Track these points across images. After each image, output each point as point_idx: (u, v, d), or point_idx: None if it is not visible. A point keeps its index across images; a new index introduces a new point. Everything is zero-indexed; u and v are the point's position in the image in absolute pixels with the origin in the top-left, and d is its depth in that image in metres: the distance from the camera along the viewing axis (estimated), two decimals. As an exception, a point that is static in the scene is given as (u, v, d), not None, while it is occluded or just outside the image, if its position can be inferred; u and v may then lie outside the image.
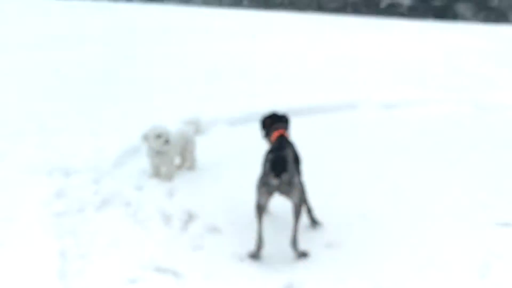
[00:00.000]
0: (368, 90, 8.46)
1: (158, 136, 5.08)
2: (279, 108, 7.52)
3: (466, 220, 4.80)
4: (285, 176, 4.01)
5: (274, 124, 4.76)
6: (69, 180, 5.09)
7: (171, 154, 5.31)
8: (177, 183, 5.30)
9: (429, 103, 8.08)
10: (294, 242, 4.17)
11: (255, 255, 4.19)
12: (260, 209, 4.18)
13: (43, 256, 3.85)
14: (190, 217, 4.75)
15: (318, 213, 4.73)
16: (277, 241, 4.39)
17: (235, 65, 10.11)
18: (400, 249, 4.35)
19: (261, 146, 4.82)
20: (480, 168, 5.92)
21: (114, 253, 4.14)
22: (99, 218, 4.62)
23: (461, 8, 25.02)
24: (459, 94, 8.52)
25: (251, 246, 4.26)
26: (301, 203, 4.25)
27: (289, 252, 4.22)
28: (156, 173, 5.37)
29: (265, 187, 4.12)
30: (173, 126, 5.47)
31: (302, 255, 4.20)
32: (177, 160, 5.54)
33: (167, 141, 5.10)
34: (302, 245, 4.23)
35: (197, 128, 5.74)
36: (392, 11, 25.35)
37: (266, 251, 4.22)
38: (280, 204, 4.50)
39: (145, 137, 5.15)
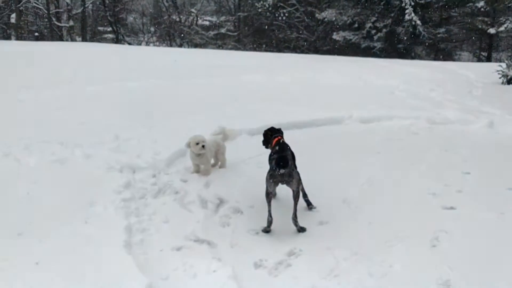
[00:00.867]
0: (350, 109, 8.31)
1: (197, 143, 5.06)
2: (284, 121, 7.53)
3: (421, 204, 4.67)
4: (286, 170, 4.06)
5: (272, 135, 4.82)
6: (135, 175, 5.04)
7: (207, 156, 5.26)
8: (212, 177, 5.22)
9: (394, 118, 7.94)
10: (295, 219, 4.15)
11: (267, 230, 4.16)
12: (269, 195, 4.20)
13: (114, 230, 3.81)
14: (220, 202, 4.68)
15: (312, 199, 4.64)
16: (283, 219, 4.30)
17: (253, 92, 10.03)
18: (373, 226, 4.24)
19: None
20: (432, 166, 5.78)
21: (166, 228, 4.10)
22: (155, 203, 4.56)
23: (418, 49, 24.75)
24: (416, 112, 8.36)
25: (264, 223, 4.19)
26: (298, 189, 4.26)
27: (291, 227, 4.14)
28: (197, 170, 5.32)
29: (272, 179, 4.16)
30: (208, 136, 5.43)
31: (301, 229, 4.15)
32: (212, 161, 5.48)
33: (203, 146, 5.06)
34: (301, 222, 4.15)
35: (224, 136, 5.68)
36: (368, 51, 25.11)
37: (274, 227, 4.15)
38: (284, 192, 4.42)
39: (188, 144, 5.13)
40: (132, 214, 4.20)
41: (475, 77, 13.31)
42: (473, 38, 28.36)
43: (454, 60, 26.00)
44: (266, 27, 30.35)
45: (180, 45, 30.73)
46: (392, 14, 23.85)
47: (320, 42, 28.82)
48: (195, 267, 3.52)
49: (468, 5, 25.17)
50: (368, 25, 24.79)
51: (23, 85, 9.82)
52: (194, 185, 5.02)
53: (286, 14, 28.72)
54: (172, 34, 31.50)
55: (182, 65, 14.17)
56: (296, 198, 4.19)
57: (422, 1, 23.68)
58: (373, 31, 24.70)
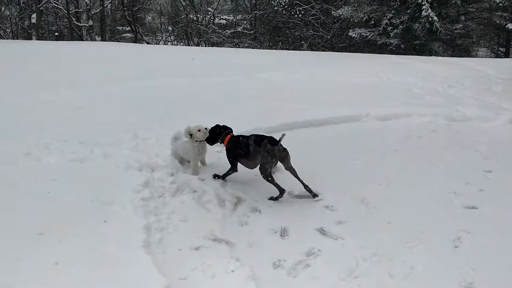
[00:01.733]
0: (367, 107, 8.17)
1: (199, 129, 5.06)
2: (301, 119, 7.44)
3: (442, 204, 4.54)
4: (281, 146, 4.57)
5: (222, 132, 5.09)
6: (154, 174, 4.99)
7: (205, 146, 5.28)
8: (229, 176, 5.16)
9: (412, 116, 7.77)
10: (307, 187, 4.71)
11: (277, 199, 4.62)
12: (271, 175, 4.63)
13: (133, 229, 3.76)
14: (238, 201, 4.62)
15: (329, 198, 4.61)
16: (299, 218, 4.25)
17: (270, 90, 9.95)
18: (392, 226, 4.14)
19: (289, 149, 4.71)
20: (452, 164, 5.64)
21: (184, 227, 4.05)
22: (174, 202, 4.52)
23: (435, 46, 24.29)
24: (434, 109, 8.17)
25: (283, 223, 4.13)
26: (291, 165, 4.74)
27: (309, 227, 4.08)
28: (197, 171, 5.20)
29: (273, 157, 4.53)
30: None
31: (315, 195, 4.67)
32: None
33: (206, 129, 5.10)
34: (319, 222, 4.09)
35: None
36: (385, 48, 24.75)
37: (292, 226, 4.08)
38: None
39: (188, 134, 5.10)
40: (151, 213, 4.16)
41: (494, 73, 13.01)
42: (491, 33, 27.80)
43: (471, 56, 25.51)
44: (282, 25, 30.20)
45: (197, 44, 30.75)
46: (409, 11, 23.42)
47: (336, 39, 28.54)
48: (214, 267, 3.46)
49: (485, 0, 24.66)
50: (385, 21, 24.42)
51: (43, 85, 9.90)
52: (211, 183, 4.96)
53: (302, 12, 28.50)
54: (190, 33, 31.55)
55: (199, 63, 14.14)
56: (295, 172, 4.71)
57: (439, -3, 23.27)
58: (390, 28, 24.32)
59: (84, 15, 30.11)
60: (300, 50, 26.96)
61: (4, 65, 12.57)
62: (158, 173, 5.03)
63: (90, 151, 5.52)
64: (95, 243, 3.53)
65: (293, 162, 4.78)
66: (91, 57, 15.08)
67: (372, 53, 22.90)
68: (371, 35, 25.07)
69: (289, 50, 26.89)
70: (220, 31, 30.31)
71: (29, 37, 26.09)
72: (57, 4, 27.86)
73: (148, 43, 31.54)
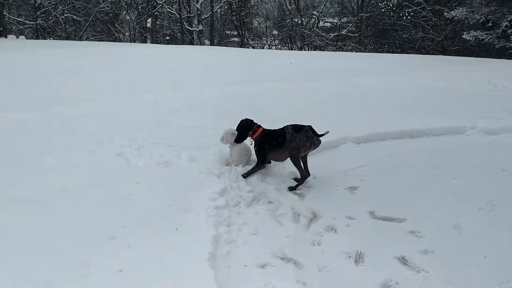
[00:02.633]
0: (474, 118, 7.33)
1: (233, 133, 5.22)
2: (395, 130, 6.87)
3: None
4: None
5: (250, 127, 5.15)
6: (232, 182, 4.89)
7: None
8: (309, 188, 4.90)
9: (531, 131, 6.78)
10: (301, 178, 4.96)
11: (298, 186, 4.84)
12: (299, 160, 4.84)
13: (202, 240, 3.68)
14: (314, 216, 4.33)
15: (417, 221, 4.13)
16: (376, 244, 3.83)
17: (365, 96, 9.43)
18: (488, 261, 3.55)
19: (378, 162, 4.31)
20: None
21: (254, 241, 3.87)
22: (248, 212, 4.38)
23: None
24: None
25: (360, 246, 3.76)
26: None
27: (388, 254, 3.66)
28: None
29: (312, 145, 4.78)
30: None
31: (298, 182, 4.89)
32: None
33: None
34: (401, 248, 3.65)
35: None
36: (503, 52, 22.37)
37: (366, 251, 3.69)
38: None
39: (230, 139, 5.25)
40: (223, 222, 4.06)
41: None
42: None
43: None
44: (389, 27, 28.86)
45: (301, 48, 30.64)
46: (534, 11, 20.95)
47: (448, 42, 26.52)
48: (278, 289, 3.24)
49: None
50: (504, 23, 22.07)
51: (148, 87, 10.45)
52: (289, 195, 4.75)
53: (412, 13, 26.93)
54: (293, 37, 31.55)
55: (296, 68, 13.96)
56: (306, 161, 4.97)
57: None
58: (510, 31, 21.94)
59: (195, 20, 31.58)
60: (407, 53, 25.47)
61: (113, 67, 13.53)
62: (237, 181, 4.93)
63: (178, 155, 5.61)
64: (162, 252, 3.50)
65: (381, 177, 4.55)
66: (196, 61, 15.67)
67: (488, 57, 20.82)
68: (488, 38, 22.83)
69: (395, 53, 25.55)
70: (323, 34, 29.85)
71: (144, 41, 28.02)
72: (171, 9, 29.57)
73: (253, 47, 32.16)
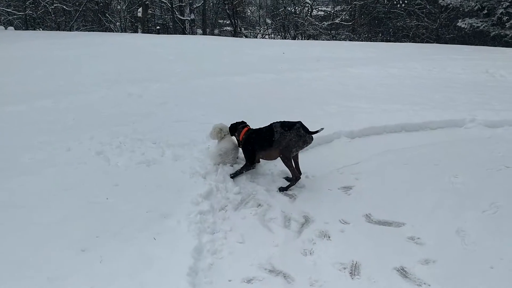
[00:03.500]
0: (473, 110, 7.00)
1: (221, 129, 4.94)
2: (392, 123, 6.52)
3: None
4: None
5: (237, 127, 4.87)
6: (219, 183, 4.52)
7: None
8: (301, 189, 4.55)
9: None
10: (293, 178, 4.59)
11: (289, 186, 4.50)
12: (291, 159, 4.49)
13: (182, 252, 3.31)
14: (306, 221, 3.97)
15: (416, 226, 3.77)
16: (376, 257, 3.48)
17: (360, 87, 9.06)
18: (496, 272, 3.21)
19: (374, 158, 3.95)
20: None
21: (240, 250, 3.51)
22: (234, 217, 4.01)
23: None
24: None
25: (355, 256, 3.41)
26: None
27: (388, 267, 3.31)
28: None
29: (304, 144, 4.41)
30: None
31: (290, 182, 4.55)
32: None
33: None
34: (399, 258, 3.30)
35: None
36: (499, 40, 22.00)
37: (364, 264, 3.34)
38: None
39: (221, 134, 4.98)
40: (206, 230, 3.70)
41: None
42: None
43: None
44: (383, 15, 28.38)
45: (294, 37, 30.12)
46: (529, -2, 20.56)
47: (442, 30, 26.11)
48: (265, 308, 2.90)
49: None
50: (500, 11, 21.69)
51: (135, 78, 10.01)
52: (279, 197, 4.39)
53: (406, 1, 26.48)
54: (287, 26, 31.00)
55: (289, 57, 13.55)
56: (298, 159, 4.63)
57: None
58: (505, 18, 21.55)
59: (187, 9, 30.91)
60: (401, 42, 25.05)
61: (101, 58, 13.04)
62: (224, 182, 4.56)
63: (161, 153, 5.24)
64: (138, 266, 3.14)
65: (377, 176, 4.29)
66: (185, 51, 15.20)
67: (483, 45, 20.47)
68: (483, 25, 22.44)
69: (389, 42, 25.12)
70: (317, 23, 29.32)
71: (135, 30, 27.37)
72: (161, -2, 28.90)
73: (246, 36, 31.60)
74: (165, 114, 7.09)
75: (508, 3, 21.44)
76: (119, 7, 27.84)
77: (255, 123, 4.99)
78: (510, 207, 4.06)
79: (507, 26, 21.56)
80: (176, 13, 29.80)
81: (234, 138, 4.99)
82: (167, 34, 27.91)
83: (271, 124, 4.56)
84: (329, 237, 3.72)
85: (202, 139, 5.69)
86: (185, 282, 2.99)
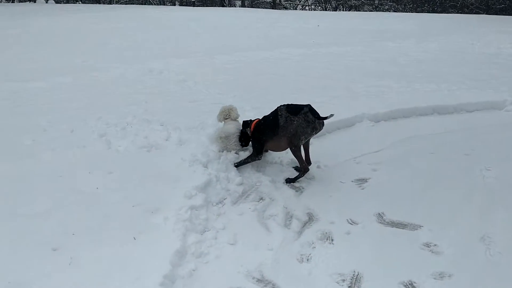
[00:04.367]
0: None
1: (230, 109, 4.54)
2: (423, 105, 5.86)
3: None
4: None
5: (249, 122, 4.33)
6: (220, 172, 4.08)
7: None
8: (309, 180, 4.07)
9: None
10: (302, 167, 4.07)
11: (297, 179, 4.01)
12: (300, 148, 3.94)
13: (161, 255, 2.91)
14: (309, 219, 3.51)
15: (435, 232, 3.22)
16: (382, 267, 2.98)
17: (392, 64, 8.32)
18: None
19: (397, 145, 3.45)
20: None
21: (229, 254, 3.10)
22: (231, 212, 3.60)
23: None
24: None
25: (357, 265, 2.94)
26: None
27: (394, 281, 2.81)
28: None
29: (313, 131, 3.84)
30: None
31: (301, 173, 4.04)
32: None
33: None
34: (410, 273, 2.81)
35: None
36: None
37: (369, 275, 2.85)
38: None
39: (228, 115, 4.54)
40: (196, 228, 3.30)
41: None
42: None
43: None
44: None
45: (335, 8, 28.82)
46: None
47: (493, 0, 24.12)
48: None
49: None
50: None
51: (159, 53, 9.68)
52: (284, 189, 3.94)
53: (455, -31, 24.61)
54: (327, -4, 29.71)
55: (324, 30, 12.80)
56: (308, 148, 4.12)
57: None
58: None
59: (226, -20, 30.14)
60: (448, 13, 23.35)
61: (129, 31, 12.78)
62: (226, 171, 4.13)
63: (166, 136, 4.85)
64: (109, 271, 2.78)
65: (397, 167, 3.92)
66: (218, 24, 14.70)
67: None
68: (539, -7, 20.48)
69: (435, 13, 23.50)
70: (359, -7, 27.88)
71: (173, 3, 26.99)
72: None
73: (286, 8, 30.56)
74: (181, 93, 6.73)
75: None
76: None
77: (270, 105, 4.48)
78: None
79: None
80: (214, -16, 29.14)
81: (239, 122, 4.53)
82: (206, 6, 27.36)
83: (276, 108, 4.05)
84: (332, 240, 3.25)
85: (212, 122, 5.26)
86: (157, 293, 2.62)
